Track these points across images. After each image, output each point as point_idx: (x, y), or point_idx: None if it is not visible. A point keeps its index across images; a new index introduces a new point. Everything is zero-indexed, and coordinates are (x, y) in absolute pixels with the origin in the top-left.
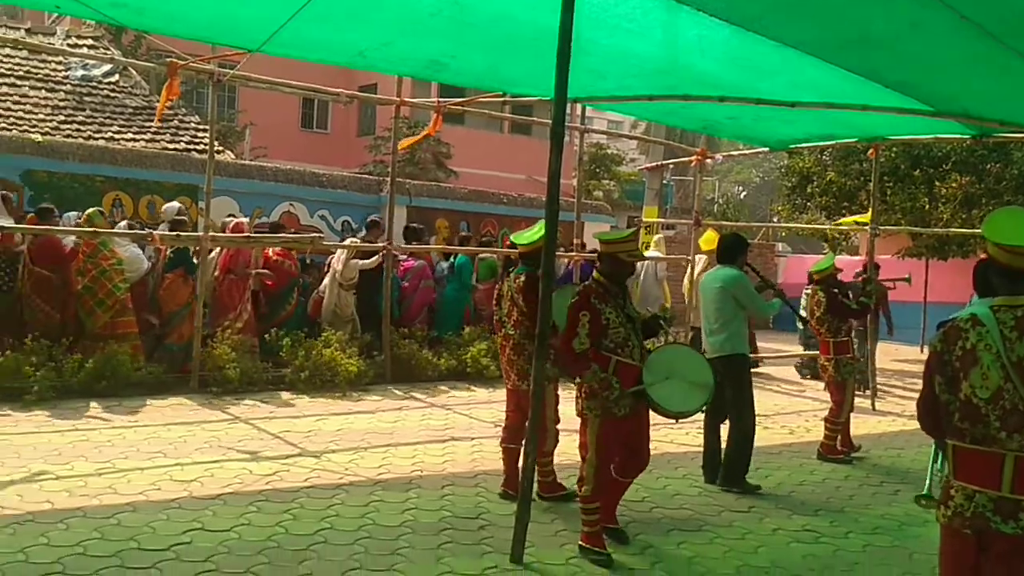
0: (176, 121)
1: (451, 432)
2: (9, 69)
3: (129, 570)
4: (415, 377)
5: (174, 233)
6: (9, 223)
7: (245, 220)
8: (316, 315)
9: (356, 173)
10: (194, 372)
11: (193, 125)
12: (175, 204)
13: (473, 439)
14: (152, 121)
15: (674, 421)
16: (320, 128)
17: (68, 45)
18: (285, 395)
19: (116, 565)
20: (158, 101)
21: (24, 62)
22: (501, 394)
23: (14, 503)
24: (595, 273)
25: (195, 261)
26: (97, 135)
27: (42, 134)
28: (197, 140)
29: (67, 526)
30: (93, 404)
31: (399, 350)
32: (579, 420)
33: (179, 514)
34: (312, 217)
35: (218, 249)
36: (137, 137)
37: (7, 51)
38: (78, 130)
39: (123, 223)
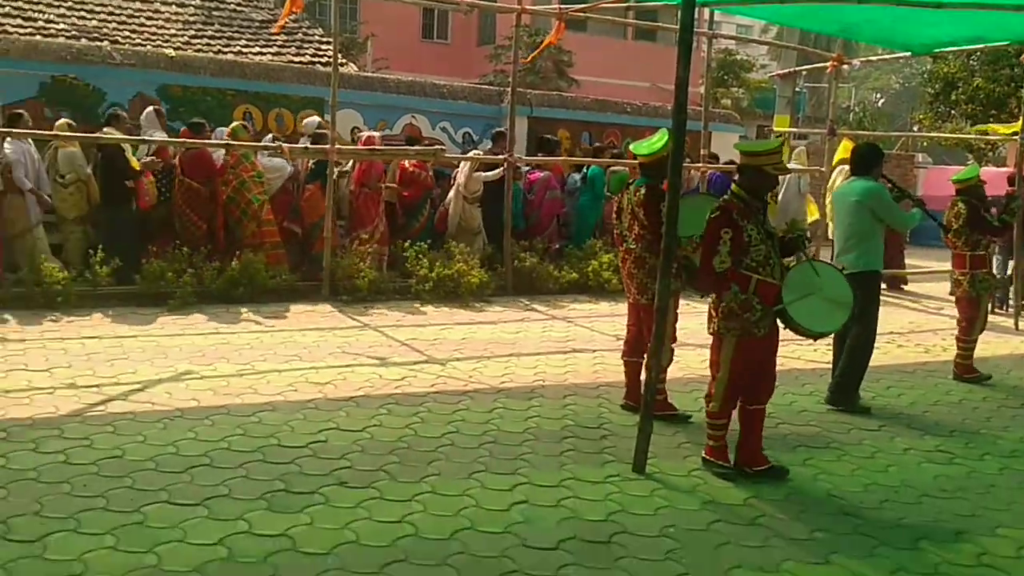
0: (300, 34)
1: (572, 344)
2: None
3: (271, 464)
4: (536, 289)
5: (302, 146)
6: (163, 136)
7: (376, 133)
8: (443, 227)
9: (476, 84)
10: (325, 280)
11: (317, 38)
12: (315, 118)
13: (595, 351)
14: (278, 35)
15: (812, 340)
16: (440, 38)
17: None
18: (411, 304)
19: (258, 460)
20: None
21: None
22: (623, 307)
23: (164, 400)
24: (734, 187)
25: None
26: (226, 49)
27: (175, 49)
28: (321, 53)
29: (212, 423)
30: (232, 309)
31: (520, 263)
32: (702, 336)
33: (315, 414)
34: (433, 129)
35: (352, 162)
36: (264, 51)
37: None
38: (208, 44)
39: (269, 136)
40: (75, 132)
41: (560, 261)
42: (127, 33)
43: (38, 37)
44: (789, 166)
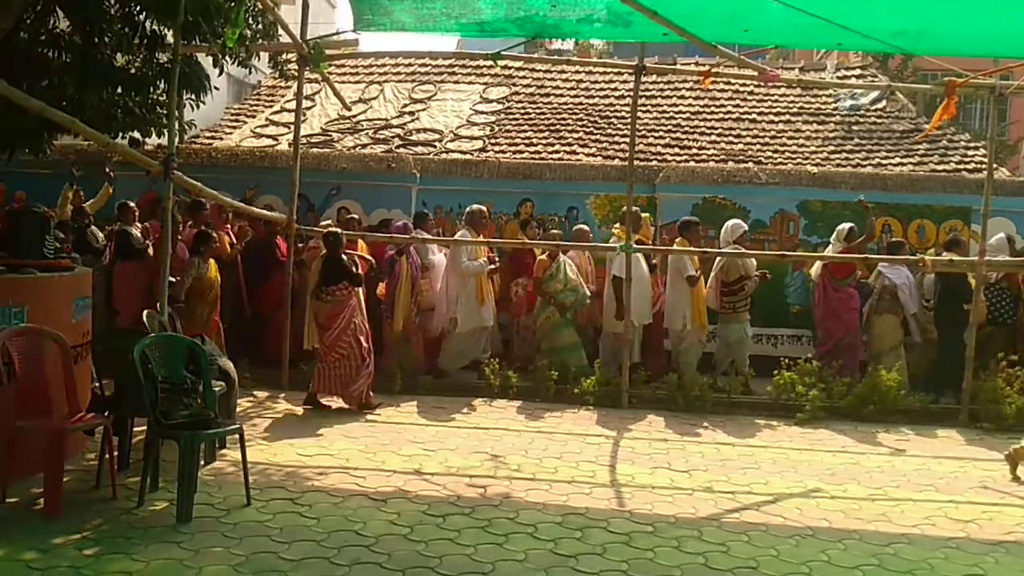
0: (944, 141)
1: None
2: (784, 107)
3: None
4: None
5: (947, 258)
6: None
7: None
8: None
9: None
10: (964, 405)
11: (962, 144)
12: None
13: None
14: (919, 144)
15: None
16: None
17: (837, 77)
18: None
19: None
20: (926, 122)
21: (797, 99)
22: None
23: (795, 516)
24: None
25: None
26: (865, 162)
27: (815, 165)
28: (967, 159)
29: (845, 547)
30: (861, 428)
31: None
32: None
33: (957, 555)
34: None
35: None
36: (904, 161)
37: (783, 90)
38: (847, 159)
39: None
40: None
41: None
42: (769, 153)
43: (692, 163)
44: None
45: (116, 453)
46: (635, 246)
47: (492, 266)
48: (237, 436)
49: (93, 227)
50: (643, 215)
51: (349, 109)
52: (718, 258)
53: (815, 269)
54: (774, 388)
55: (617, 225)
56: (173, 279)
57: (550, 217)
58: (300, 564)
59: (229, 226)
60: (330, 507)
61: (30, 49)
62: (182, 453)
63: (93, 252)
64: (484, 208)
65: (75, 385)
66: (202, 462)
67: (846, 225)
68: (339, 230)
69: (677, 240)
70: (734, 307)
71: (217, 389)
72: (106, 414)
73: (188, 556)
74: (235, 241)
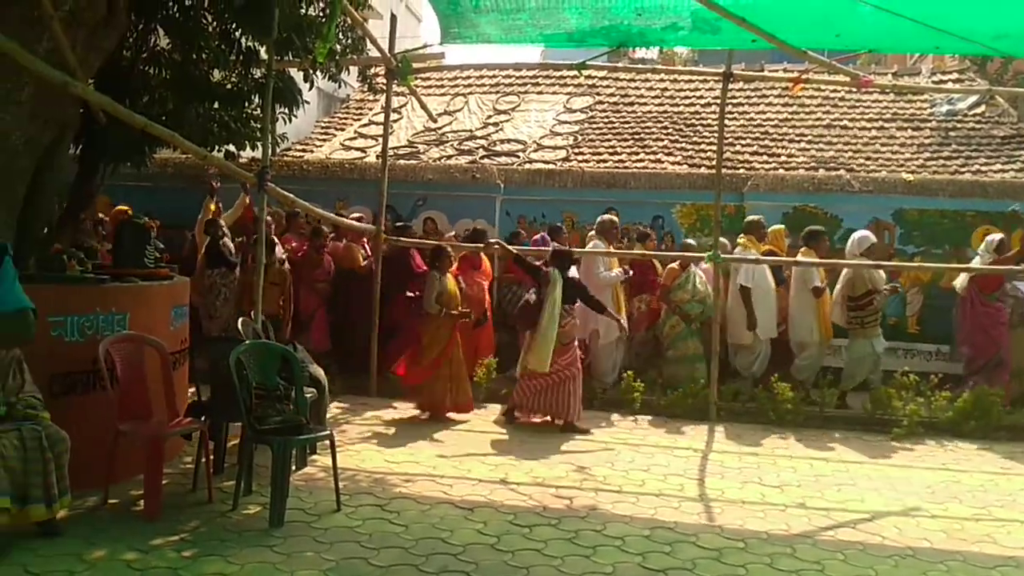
0: None
1: None
2: (878, 113)
3: None
4: None
5: None
6: None
7: None
8: None
9: None
10: None
11: None
12: None
13: None
14: (1021, 149)
15: None
16: None
17: (932, 82)
18: None
19: None
20: None
21: (891, 105)
22: None
23: (893, 535)
24: None
25: None
26: (963, 169)
27: (910, 173)
28: None
29: (947, 569)
30: (962, 444)
31: None
32: None
33: None
34: None
35: None
36: (1006, 168)
37: (876, 96)
38: (944, 165)
39: None
40: None
41: None
42: (862, 160)
43: (781, 171)
44: None
45: (212, 457)
46: (722, 255)
47: (625, 276)
48: (328, 442)
49: (226, 239)
50: (777, 227)
51: (435, 121)
52: (844, 271)
53: (959, 282)
54: (870, 402)
55: (743, 236)
56: (412, 294)
57: (635, 226)
58: (389, 570)
59: (365, 240)
60: (418, 514)
61: (132, 66)
62: (275, 458)
63: (226, 264)
64: (615, 218)
65: (173, 390)
66: (294, 467)
67: (996, 236)
68: (566, 248)
69: (802, 251)
70: (862, 322)
71: (308, 395)
72: (202, 419)
73: (281, 560)
74: (368, 254)
